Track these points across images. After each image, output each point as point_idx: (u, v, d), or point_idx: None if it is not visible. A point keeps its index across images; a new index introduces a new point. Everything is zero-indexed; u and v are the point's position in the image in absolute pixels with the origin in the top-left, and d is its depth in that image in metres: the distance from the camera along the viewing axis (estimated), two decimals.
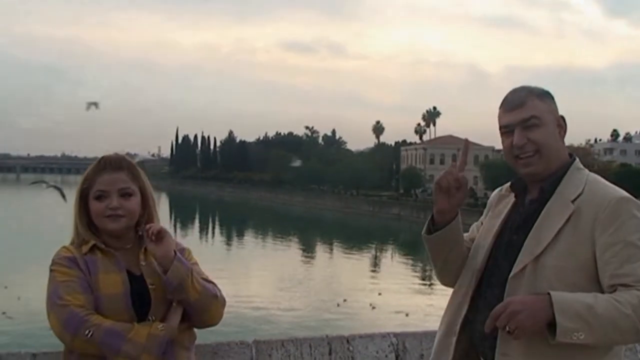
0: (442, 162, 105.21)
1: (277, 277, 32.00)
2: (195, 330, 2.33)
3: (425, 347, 2.70)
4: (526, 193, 2.26)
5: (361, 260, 41.40)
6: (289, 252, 44.70)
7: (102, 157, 2.34)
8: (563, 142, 2.24)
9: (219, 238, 59.05)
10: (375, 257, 44.48)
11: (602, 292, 2.02)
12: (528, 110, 2.17)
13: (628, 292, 1.95)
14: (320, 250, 47.37)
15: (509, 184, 2.35)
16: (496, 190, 2.44)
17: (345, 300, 24.80)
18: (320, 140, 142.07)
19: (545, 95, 2.23)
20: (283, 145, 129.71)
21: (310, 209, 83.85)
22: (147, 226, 2.26)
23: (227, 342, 2.57)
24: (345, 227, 64.93)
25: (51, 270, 2.23)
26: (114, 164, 2.32)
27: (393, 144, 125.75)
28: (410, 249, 48.19)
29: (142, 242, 2.35)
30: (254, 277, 32.64)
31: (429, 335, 2.58)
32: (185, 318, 2.28)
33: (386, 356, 2.68)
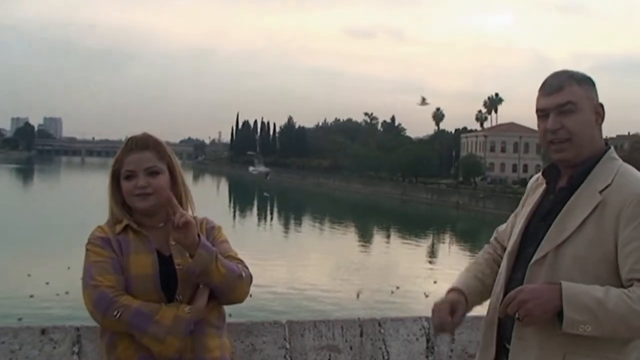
0: (503, 149, 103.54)
1: (333, 263, 32.13)
2: (228, 308, 2.39)
3: (457, 332, 2.71)
4: (558, 180, 2.25)
5: (418, 248, 41.19)
6: (346, 238, 44.78)
7: (130, 138, 2.38)
8: (600, 130, 2.20)
9: (276, 222, 59.58)
10: (433, 246, 44.15)
11: (623, 285, 2.00)
12: (565, 96, 2.13)
13: None
14: (377, 237, 47.30)
15: None
16: (534, 178, 2.42)
17: (398, 288, 24.75)
18: (379, 126, 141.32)
19: (585, 81, 2.19)
20: (342, 131, 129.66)
21: (368, 195, 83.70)
22: (173, 215, 2.27)
23: (261, 321, 2.62)
24: (403, 214, 64.66)
25: (86, 249, 2.31)
26: (140, 143, 2.36)
27: (453, 131, 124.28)
28: (469, 237, 47.66)
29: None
30: (310, 261, 32.85)
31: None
32: (213, 296, 2.32)
33: (417, 339, 2.71)
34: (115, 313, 2.19)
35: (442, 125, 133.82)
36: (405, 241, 43.65)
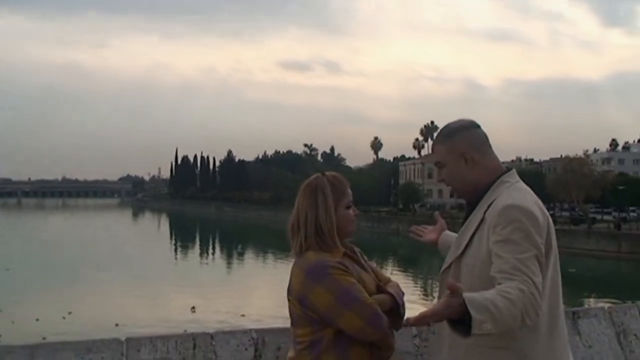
0: None
1: (277, 295, 32.22)
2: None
3: (282, 341, 2.99)
4: None
5: None
6: (288, 270, 44.82)
7: (341, 175, 2.72)
8: (478, 167, 2.57)
9: (219, 257, 59.45)
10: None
11: None
12: (434, 156, 2.69)
13: (510, 282, 2.22)
14: None
15: None
16: None
17: None
18: (319, 157, 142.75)
19: (447, 136, 2.63)
20: (282, 163, 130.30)
21: None
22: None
23: (100, 339, 2.85)
24: None
25: (329, 274, 2.47)
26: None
27: (392, 159, 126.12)
28: (409, 263, 48.41)
29: None
30: (253, 294, 33.02)
31: (285, 330, 2.88)
32: None
33: (246, 349, 2.98)
34: (384, 324, 2.47)
35: (380, 154, 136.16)
36: None
